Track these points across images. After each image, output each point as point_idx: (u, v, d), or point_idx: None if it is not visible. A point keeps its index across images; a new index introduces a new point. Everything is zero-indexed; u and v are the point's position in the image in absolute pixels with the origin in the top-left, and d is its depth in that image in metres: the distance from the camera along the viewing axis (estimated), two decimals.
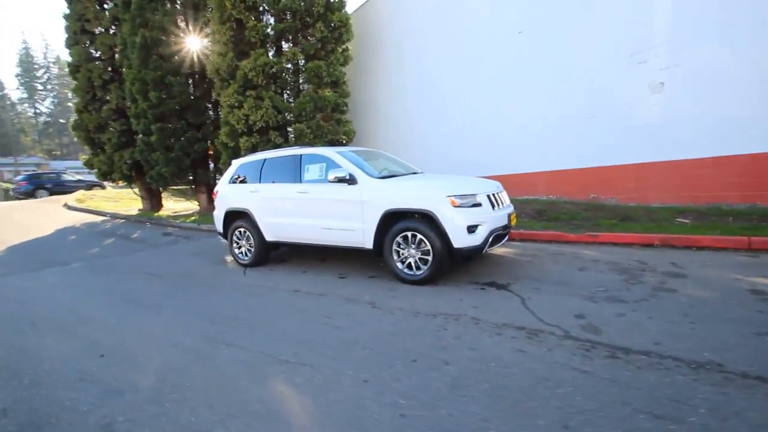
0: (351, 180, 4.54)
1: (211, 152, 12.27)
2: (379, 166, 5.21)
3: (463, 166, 9.29)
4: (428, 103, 10.42)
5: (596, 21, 7.30)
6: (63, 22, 12.26)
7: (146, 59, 10.41)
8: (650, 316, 3.00)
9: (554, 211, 7.38)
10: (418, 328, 3.09)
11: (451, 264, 4.22)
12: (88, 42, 12.06)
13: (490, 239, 4.10)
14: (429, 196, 4.12)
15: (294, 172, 5.17)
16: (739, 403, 1.92)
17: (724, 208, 6.19)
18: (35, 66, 54.00)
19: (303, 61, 9.86)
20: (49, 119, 54.41)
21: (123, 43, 10.89)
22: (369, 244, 4.48)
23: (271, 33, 9.87)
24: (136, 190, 13.54)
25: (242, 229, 5.65)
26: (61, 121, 52.74)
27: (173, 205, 15.47)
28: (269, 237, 5.41)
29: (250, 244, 5.62)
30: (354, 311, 3.59)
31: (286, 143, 9.62)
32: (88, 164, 12.61)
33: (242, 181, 5.85)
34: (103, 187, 21.61)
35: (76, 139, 14.17)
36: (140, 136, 11.57)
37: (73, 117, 13.20)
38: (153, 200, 13.54)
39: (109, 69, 11.96)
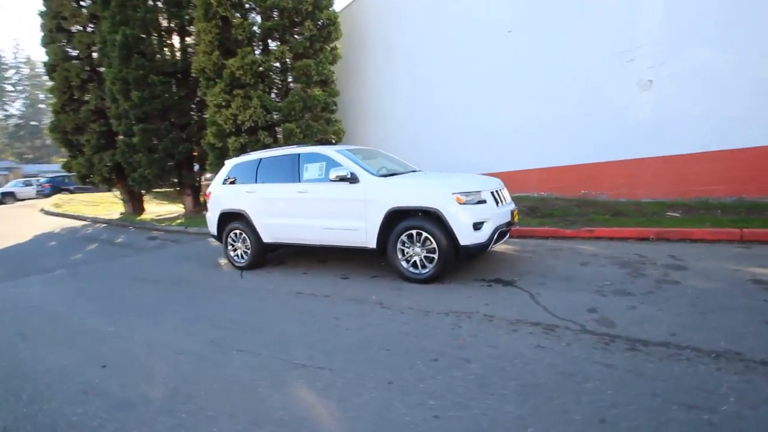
0: (353, 179, 4.47)
1: (195, 153, 11.98)
2: (377, 164, 5.15)
3: (455, 164, 9.31)
4: (420, 102, 10.41)
5: (588, 20, 7.41)
6: (36, 22, 11.82)
7: (127, 58, 10.08)
8: (660, 308, 3.04)
9: (547, 207, 7.47)
10: (433, 327, 3.05)
11: (456, 262, 4.20)
12: (65, 40, 11.61)
13: (495, 236, 4.10)
14: (434, 193, 4.08)
15: (292, 171, 5.06)
16: (766, 391, 1.95)
17: (711, 202, 6.36)
18: (5, 66, 51.80)
19: (291, 60, 9.71)
20: (20, 121, 52.23)
21: (102, 42, 10.51)
22: (372, 243, 4.42)
23: (258, 31, 9.69)
24: (117, 193, 13.11)
25: (238, 231, 5.51)
26: (33, 123, 50.70)
27: (156, 208, 15.06)
28: (267, 238, 5.29)
29: (246, 246, 5.48)
30: (363, 312, 3.53)
31: (276, 143, 9.46)
32: (67, 167, 12.14)
33: (233, 182, 5.70)
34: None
35: (49, 142, 13.68)
36: (121, 137, 11.20)
37: (49, 118, 12.70)
38: (135, 203, 13.14)
39: (87, 68, 11.53)
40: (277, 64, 9.92)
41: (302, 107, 9.52)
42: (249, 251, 5.45)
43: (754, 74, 5.87)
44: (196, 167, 12.40)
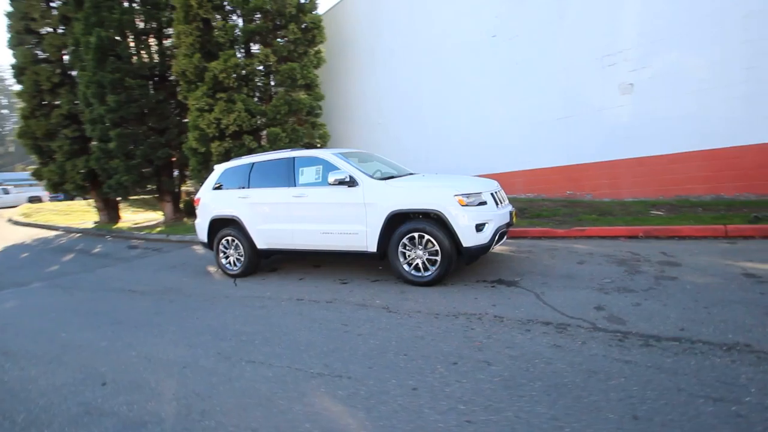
0: (351, 182, 4.41)
1: (174, 159, 11.62)
2: (372, 168, 5.11)
3: (441, 167, 9.39)
4: (405, 105, 10.45)
5: (571, 26, 7.61)
6: (1, 23, 11.22)
7: (102, 61, 9.69)
8: (665, 304, 3.12)
9: (535, 208, 7.60)
10: (445, 330, 3.03)
11: (457, 264, 4.20)
12: (34, 42, 11.05)
13: (496, 237, 4.13)
14: (437, 195, 4.07)
15: (287, 175, 4.96)
16: None
17: (692, 200, 6.63)
18: None
19: (274, 64, 9.55)
20: None
21: (75, 44, 10.08)
22: (372, 247, 4.37)
23: (240, 34, 9.51)
24: (91, 201, 12.55)
25: (230, 238, 5.35)
26: None
27: (132, 216, 14.51)
28: (261, 245, 5.16)
29: (239, 253, 5.33)
30: (370, 317, 3.47)
31: (261, 148, 9.28)
32: (37, 175, 11.53)
33: (221, 188, 5.54)
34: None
35: (13, 149, 12.93)
36: (96, 142, 10.73)
37: (13, 124, 12.02)
38: (110, 211, 12.62)
39: (59, 71, 11.01)
40: (261, 68, 9.75)
41: (287, 111, 9.39)
42: (242, 258, 5.30)
43: (727, 78, 6.16)
44: (176, 173, 12.02)
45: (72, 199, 19.96)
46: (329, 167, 4.65)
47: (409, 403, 2.11)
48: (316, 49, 10.17)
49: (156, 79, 10.95)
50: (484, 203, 4.11)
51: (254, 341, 3.16)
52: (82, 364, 3.05)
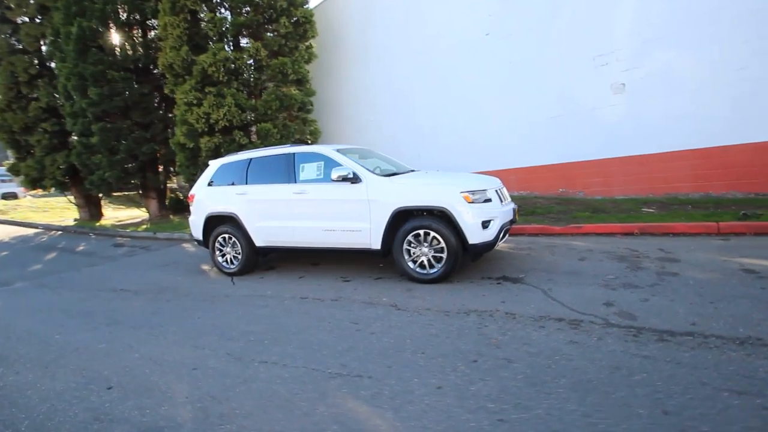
0: (355, 179, 4.35)
1: (159, 154, 11.28)
2: (372, 164, 5.05)
3: (434, 165, 9.36)
4: (397, 102, 10.40)
5: (564, 25, 7.69)
6: None
7: (84, 52, 9.32)
8: (671, 299, 3.17)
9: (529, 206, 7.67)
10: (459, 327, 3.01)
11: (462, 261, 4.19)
12: (9, 32, 10.53)
13: (501, 234, 4.14)
14: (443, 192, 4.05)
15: (287, 171, 4.86)
16: None
17: (681, 198, 6.80)
18: None
19: (265, 58, 9.35)
20: None
21: (54, 34, 9.66)
22: (376, 244, 4.33)
23: (230, 27, 9.27)
24: (71, 197, 12.09)
25: (227, 235, 5.22)
26: None
27: (114, 213, 14.08)
28: (259, 242, 5.05)
29: (236, 251, 5.21)
30: (379, 315, 3.43)
31: (251, 144, 9.10)
32: (14, 170, 11.03)
33: (217, 184, 5.40)
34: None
35: None
36: (77, 137, 10.33)
37: None
38: (92, 208, 12.20)
39: (36, 63, 10.54)
40: (251, 62, 9.54)
41: (279, 107, 9.23)
42: (239, 256, 5.18)
43: (718, 78, 6.32)
44: (161, 168, 11.68)
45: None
46: (331, 163, 4.57)
47: (436, 402, 2.08)
48: (307, 43, 10.02)
49: (140, 71, 10.58)
50: (489, 200, 4.12)
51: (263, 341, 3.08)
52: (82, 367, 2.91)
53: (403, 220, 4.20)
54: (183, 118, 9.03)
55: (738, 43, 6.14)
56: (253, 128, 9.54)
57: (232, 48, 9.67)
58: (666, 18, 6.67)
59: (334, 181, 4.37)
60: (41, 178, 10.82)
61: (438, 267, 4.07)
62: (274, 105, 9.14)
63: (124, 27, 9.93)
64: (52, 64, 10.25)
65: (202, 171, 5.86)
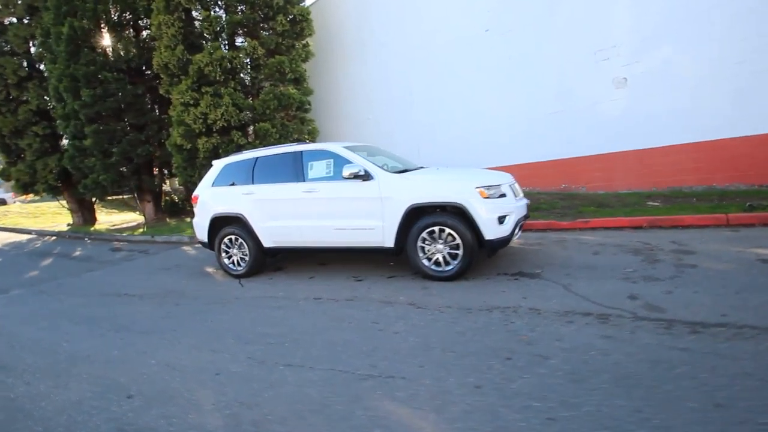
0: (366, 176, 4.27)
1: (154, 156, 11.08)
2: (380, 162, 4.97)
3: (433, 162, 9.30)
4: (395, 100, 10.32)
5: (565, 20, 7.68)
6: None
7: (76, 53, 9.10)
8: (695, 291, 3.15)
9: (533, 201, 7.59)
10: (484, 324, 2.95)
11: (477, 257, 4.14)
12: None
13: (516, 229, 4.09)
14: (458, 188, 3.99)
15: (295, 170, 4.76)
16: None
17: (684, 191, 6.83)
18: None
19: (262, 57, 9.22)
20: None
21: (44, 35, 9.41)
22: (390, 242, 4.25)
23: (225, 26, 9.13)
24: (64, 202, 11.81)
25: (233, 236, 5.10)
26: None
27: (108, 217, 13.80)
28: (268, 243, 4.94)
29: (243, 252, 5.09)
30: (399, 314, 3.36)
31: (250, 144, 8.96)
32: (4, 175, 10.75)
33: (222, 184, 5.28)
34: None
35: None
36: (69, 140, 10.08)
37: None
38: (85, 213, 11.94)
39: (26, 65, 10.27)
40: (248, 61, 9.40)
41: (277, 106, 9.11)
42: (247, 257, 5.06)
43: (719, 72, 6.36)
44: (156, 170, 11.48)
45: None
46: (341, 161, 4.49)
47: (478, 402, 2.02)
48: (304, 42, 9.92)
49: (133, 72, 10.38)
50: (503, 195, 4.07)
51: (284, 343, 2.99)
52: (96, 375, 2.80)
53: (416, 218, 4.14)
54: (179, 119, 8.85)
55: (737, 40, 6.18)
56: (251, 128, 9.41)
57: (227, 47, 9.53)
58: (665, 12, 6.69)
59: (345, 178, 4.29)
60: (33, 182, 10.55)
61: (454, 264, 4.00)
62: (272, 104, 9.02)
63: (117, 27, 9.71)
64: (42, 66, 9.99)
65: (201, 172, 5.74)
